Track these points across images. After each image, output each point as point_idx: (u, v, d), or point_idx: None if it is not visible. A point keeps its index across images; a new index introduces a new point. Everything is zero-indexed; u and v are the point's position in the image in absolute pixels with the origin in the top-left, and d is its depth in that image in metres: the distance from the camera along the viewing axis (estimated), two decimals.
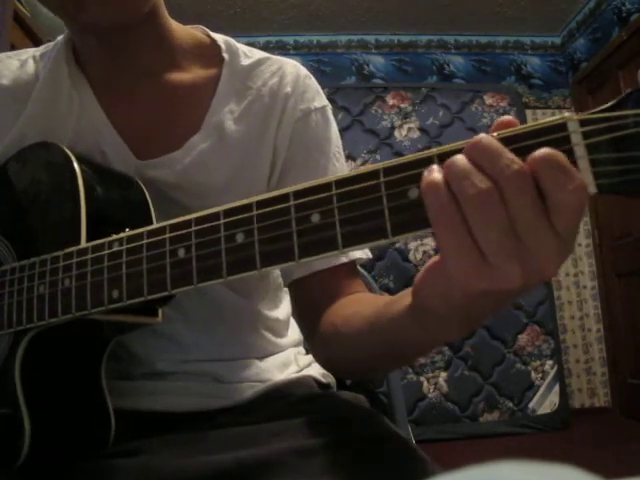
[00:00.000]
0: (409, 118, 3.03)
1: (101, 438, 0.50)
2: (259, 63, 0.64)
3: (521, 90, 3.40)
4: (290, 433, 0.49)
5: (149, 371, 0.58)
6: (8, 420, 0.46)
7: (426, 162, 0.32)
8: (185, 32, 0.64)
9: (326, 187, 0.34)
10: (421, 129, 3.01)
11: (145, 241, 0.41)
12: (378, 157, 2.95)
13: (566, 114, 0.30)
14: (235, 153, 0.60)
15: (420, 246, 2.84)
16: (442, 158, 0.31)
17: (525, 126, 0.31)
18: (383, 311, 0.46)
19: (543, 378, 2.84)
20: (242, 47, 0.65)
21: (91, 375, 0.50)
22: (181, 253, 0.39)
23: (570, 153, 0.29)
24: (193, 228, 0.39)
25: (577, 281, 3.29)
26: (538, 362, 2.86)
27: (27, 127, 0.58)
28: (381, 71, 3.50)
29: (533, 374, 2.84)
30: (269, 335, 0.66)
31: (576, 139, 0.29)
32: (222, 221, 0.38)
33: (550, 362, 2.87)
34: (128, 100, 0.60)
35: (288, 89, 0.62)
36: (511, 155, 0.30)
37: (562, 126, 0.30)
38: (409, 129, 3.01)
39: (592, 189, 0.29)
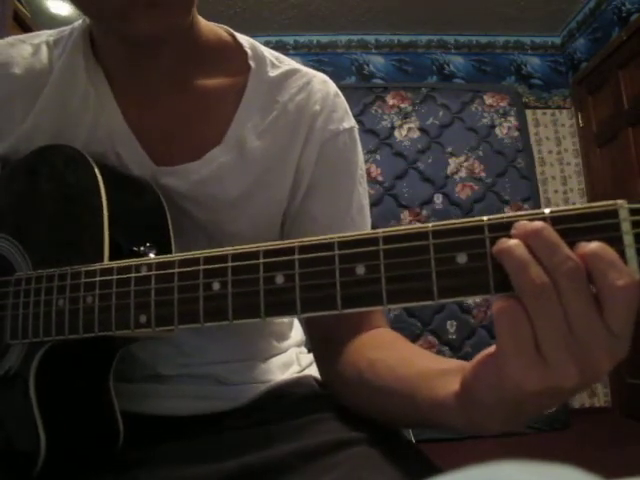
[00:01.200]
0: (409, 118, 3.02)
1: (110, 443, 0.50)
2: (287, 75, 0.61)
3: (521, 90, 3.40)
4: (293, 435, 0.50)
5: (151, 374, 0.58)
6: (23, 429, 0.46)
7: (476, 230, 0.33)
8: (211, 32, 0.61)
9: (373, 241, 0.34)
10: (421, 129, 3.01)
11: (177, 270, 0.40)
12: (378, 157, 2.95)
13: (619, 201, 0.31)
14: (255, 170, 0.57)
15: None
16: (492, 228, 0.32)
17: (577, 207, 0.31)
18: (422, 387, 0.42)
19: None
20: (269, 54, 0.62)
21: (100, 381, 0.50)
22: (215, 287, 0.38)
23: (618, 240, 0.30)
24: (230, 264, 0.38)
25: None
26: None
27: (38, 122, 0.56)
28: (381, 71, 3.50)
29: None
30: (274, 340, 0.66)
31: (626, 227, 0.30)
32: (261, 260, 0.37)
33: None
34: (148, 102, 0.58)
35: (317, 107, 0.60)
36: (567, 250, 0.30)
37: (613, 213, 0.30)
38: (409, 129, 3.01)
39: (637, 277, 0.30)
